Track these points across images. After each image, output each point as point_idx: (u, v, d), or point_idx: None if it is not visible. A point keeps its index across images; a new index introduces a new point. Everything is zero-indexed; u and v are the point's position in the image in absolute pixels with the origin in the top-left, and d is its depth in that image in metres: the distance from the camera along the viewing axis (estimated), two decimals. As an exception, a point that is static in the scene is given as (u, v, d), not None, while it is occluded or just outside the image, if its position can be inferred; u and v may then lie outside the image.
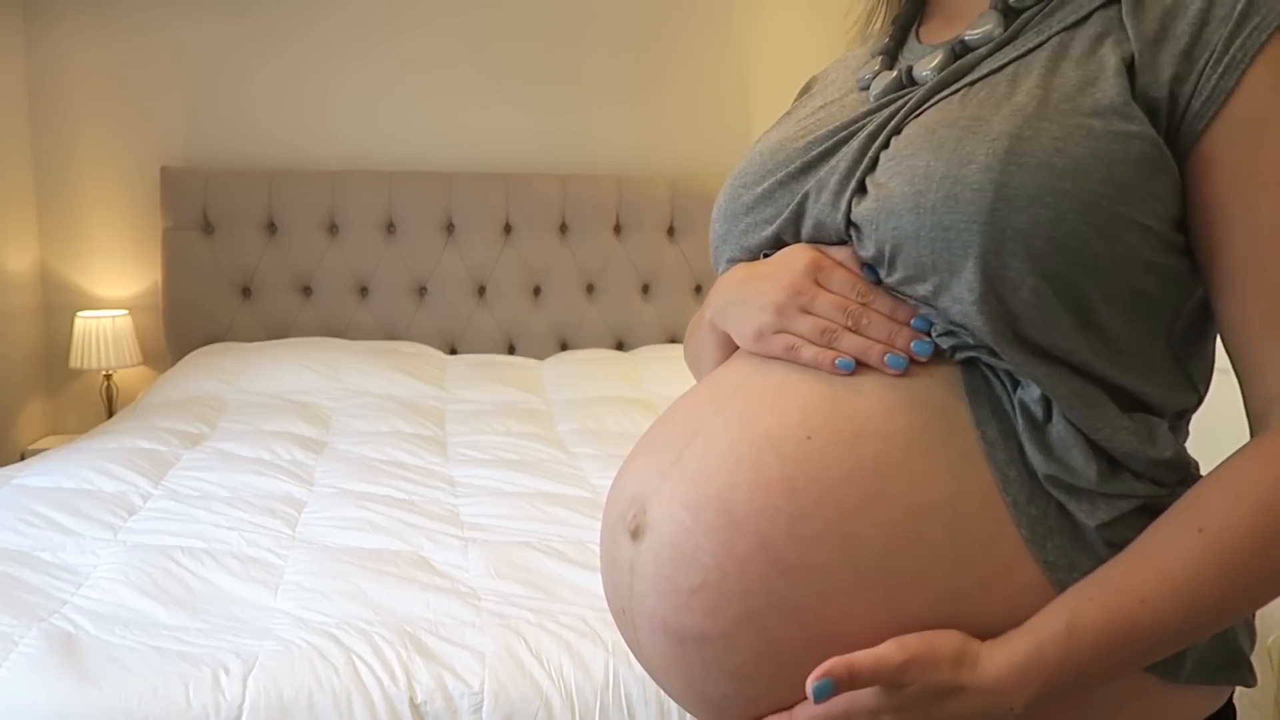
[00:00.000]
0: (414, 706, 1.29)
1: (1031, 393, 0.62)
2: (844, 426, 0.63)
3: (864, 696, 0.59)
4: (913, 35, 0.79)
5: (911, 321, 0.65)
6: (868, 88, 0.75)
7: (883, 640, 0.60)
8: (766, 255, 0.75)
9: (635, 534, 0.68)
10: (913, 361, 0.65)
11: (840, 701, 0.59)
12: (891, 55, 0.78)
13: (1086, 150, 0.60)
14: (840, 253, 0.68)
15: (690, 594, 0.64)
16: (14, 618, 1.42)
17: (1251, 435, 0.64)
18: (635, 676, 1.35)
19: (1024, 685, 0.59)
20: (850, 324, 0.65)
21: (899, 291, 0.66)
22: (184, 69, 3.21)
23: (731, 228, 0.78)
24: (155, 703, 1.25)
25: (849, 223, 0.68)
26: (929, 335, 0.64)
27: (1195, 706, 0.67)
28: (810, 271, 0.68)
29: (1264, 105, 0.60)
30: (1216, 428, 0.81)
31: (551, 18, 3.39)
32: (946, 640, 0.60)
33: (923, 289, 0.64)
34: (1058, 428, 0.62)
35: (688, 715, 1.32)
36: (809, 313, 0.67)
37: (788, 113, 0.86)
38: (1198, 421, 0.72)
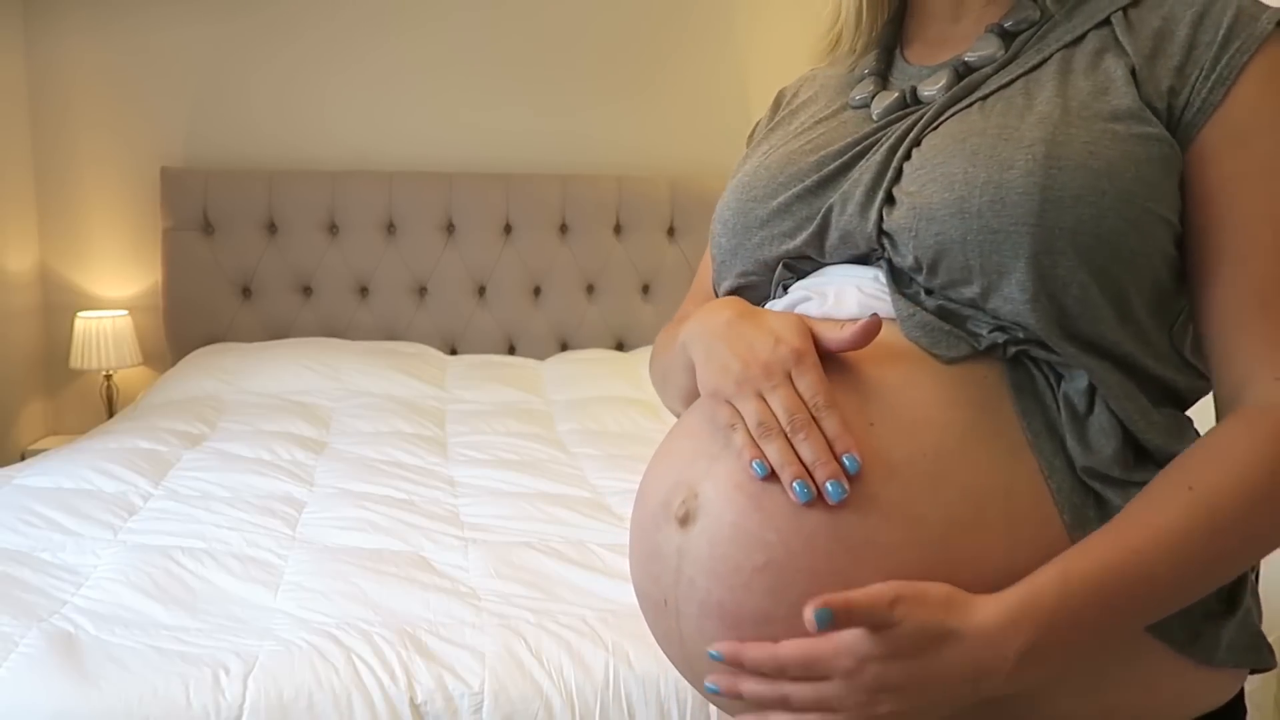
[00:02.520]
0: (414, 706, 1.29)
1: (1077, 385, 0.65)
2: (903, 415, 0.65)
3: (852, 638, 0.58)
4: (899, 57, 0.82)
5: (844, 457, 0.62)
6: (864, 106, 0.78)
7: None
8: (786, 265, 0.77)
9: (684, 520, 0.67)
10: (951, 362, 0.66)
11: (827, 643, 0.59)
12: (883, 76, 0.81)
13: (1116, 152, 0.64)
14: (833, 332, 0.66)
15: (753, 573, 0.63)
16: (14, 618, 1.42)
17: (1218, 418, 0.68)
18: (635, 676, 1.35)
19: (1017, 631, 0.59)
20: (788, 430, 0.63)
21: (944, 295, 0.68)
22: (184, 69, 3.21)
23: (743, 241, 0.79)
24: (155, 703, 1.25)
25: (880, 232, 0.70)
26: (848, 478, 0.62)
27: (1220, 691, 0.70)
28: (788, 360, 0.65)
29: (1249, 116, 0.66)
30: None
31: (552, 18, 3.39)
32: (936, 586, 0.60)
33: (969, 291, 0.66)
34: (1099, 419, 0.65)
35: (689, 715, 1.33)
36: (763, 399, 0.64)
37: (771, 128, 0.88)
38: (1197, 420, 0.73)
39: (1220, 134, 0.66)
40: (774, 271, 0.78)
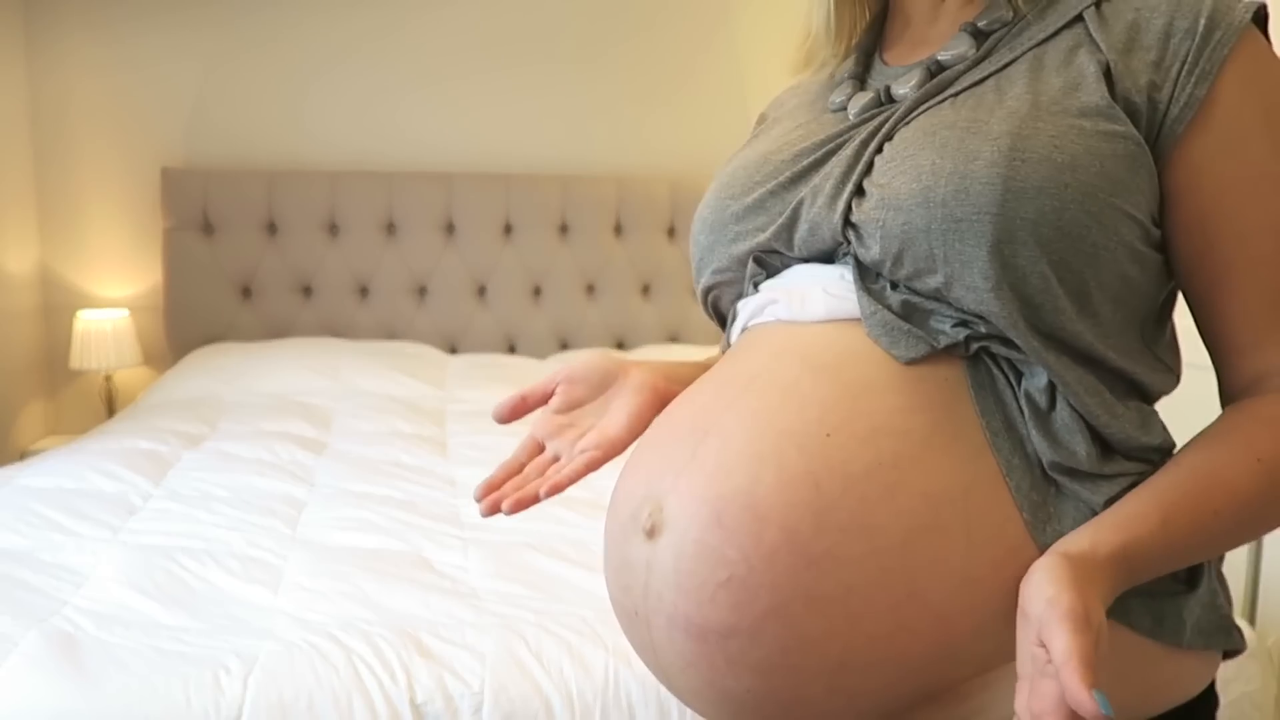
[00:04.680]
0: (414, 707, 1.29)
1: (1037, 382, 0.66)
2: (861, 424, 0.65)
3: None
4: (877, 59, 0.83)
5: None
6: (842, 109, 0.79)
7: (902, 628, 0.62)
8: (757, 259, 0.77)
9: (651, 533, 0.68)
10: (922, 361, 0.67)
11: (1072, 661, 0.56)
12: (860, 79, 0.82)
13: (1081, 147, 0.65)
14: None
15: (716, 589, 0.64)
16: (14, 618, 1.42)
17: (1225, 405, 0.71)
18: (635, 677, 1.35)
19: (1124, 560, 0.62)
20: None
21: (909, 287, 0.69)
22: (184, 69, 3.21)
23: (719, 238, 0.80)
24: (155, 703, 1.25)
25: (847, 224, 0.71)
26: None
27: (1193, 680, 0.71)
28: None
29: (1237, 116, 0.67)
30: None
31: (553, 18, 3.39)
32: (1046, 578, 0.59)
33: (933, 281, 0.67)
34: (1061, 415, 0.66)
35: (689, 716, 1.33)
36: None
37: (755, 137, 0.89)
38: (1180, 415, 0.75)
39: (1209, 138, 0.67)
40: (746, 267, 0.79)
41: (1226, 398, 0.72)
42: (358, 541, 1.77)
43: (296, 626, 1.43)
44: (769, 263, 0.78)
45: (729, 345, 0.82)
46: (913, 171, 0.67)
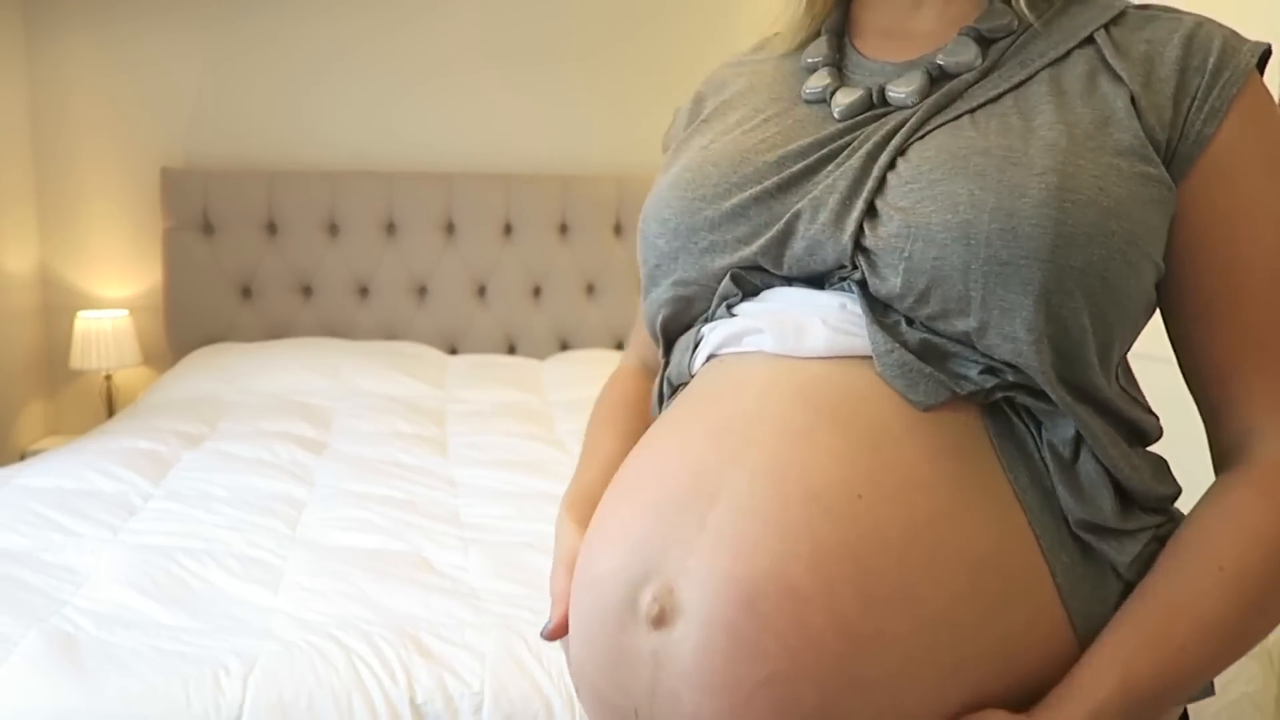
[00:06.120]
0: (414, 707, 1.29)
1: (1061, 433, 0.62)
2: (888, 480, 0.59)
3: None
4: (850, 47, 0.75)
5: None
6: (820, 101, 0.71)
7: (945, 704, 0.58)
8: (734, 278, 0.69)
9: (659, 621, 0.58)
10: (937, 407, 0.62)
11: None
12: (838, 67, 0.74)
13: (1124, 190, 0.61)
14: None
15: (755, 688, 0.55)
16: (14, 618, 1.42)
17: (1217, 469, 0.67)
18: (635, 677, 1.35)
19: None
20: None
21: (930, 327, 0.62)
22: (184, 69, 3.21)
23: (687, 245, 0.70)
24: (155, 703, 1.25)
25: (858, 248, 0.64)
26: None
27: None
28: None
29: (1235, 153, 0.64)
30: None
31: (552, 18, 3.39)
32: (994, 716, 0.58)
33: (962, 324, 0.61)
34: (1086, 467, 0.62)
35: (688, 715, 1.33)
36: None
37: (704, 119, 0.78)
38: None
39: (1208, 171, 0.64)
40: (718, 283, 0.70)
41: (1216, 460, 0.68)
42: (358, 541, 1.77)
43: (296, 626, 1.43)
44: (746, 281, 0.69)
45: (685, 372, 0.72)
46: (946, 199, 0.60)
